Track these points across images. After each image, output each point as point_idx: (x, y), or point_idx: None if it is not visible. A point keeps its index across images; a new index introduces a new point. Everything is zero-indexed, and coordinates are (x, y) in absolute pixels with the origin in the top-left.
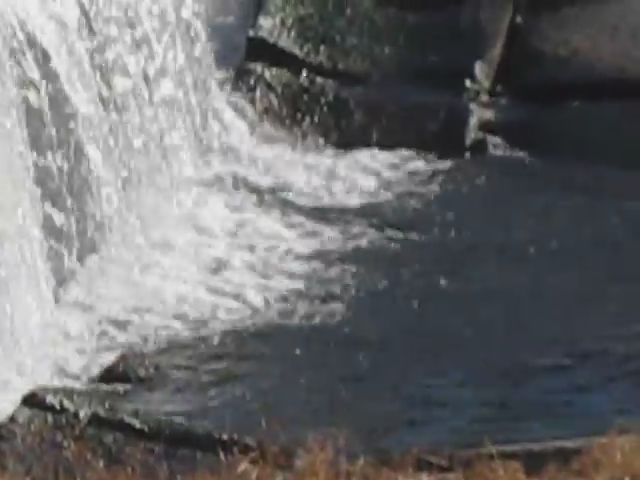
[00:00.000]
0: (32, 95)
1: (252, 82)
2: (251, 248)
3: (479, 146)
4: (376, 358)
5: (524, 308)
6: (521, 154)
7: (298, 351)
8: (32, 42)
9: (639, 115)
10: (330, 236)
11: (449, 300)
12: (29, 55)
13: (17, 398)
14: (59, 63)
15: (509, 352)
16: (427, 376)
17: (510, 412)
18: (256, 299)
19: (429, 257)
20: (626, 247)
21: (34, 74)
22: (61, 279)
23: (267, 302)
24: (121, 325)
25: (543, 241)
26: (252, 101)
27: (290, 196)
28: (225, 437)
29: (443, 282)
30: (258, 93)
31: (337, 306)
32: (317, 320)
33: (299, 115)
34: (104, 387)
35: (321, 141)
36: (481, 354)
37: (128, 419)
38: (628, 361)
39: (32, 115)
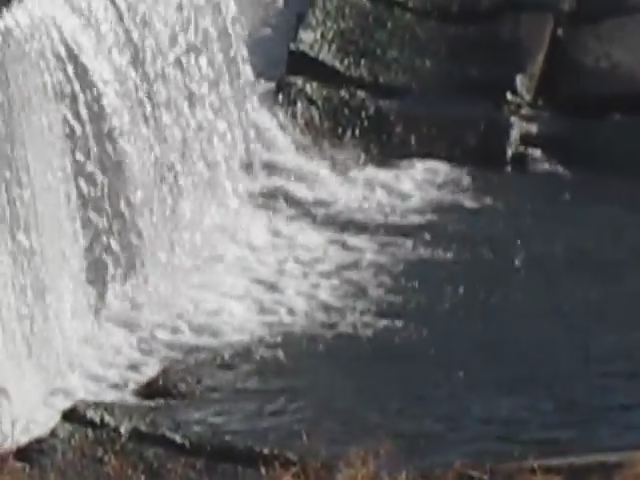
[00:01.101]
0: (72, 111)
1: (293, 96)
2: (294, 262)
3: (520, 159)
4: (420, 373)
5: (573, 322)
6: (562, 168)
7: (340, 367)
8: (72, 57)
9: None
10: (371, 250)
11: (492, 315)
12: (69, 70)
13: (58, 413)
14: (99, 78)
15: (562, 366)
16: (470, 391)
17: (556, 426)
18: (299, 314)
19: (470, 271)
20: None
21: (74, 88)
22: (102, 294)
23: (309, 317)
24: (163, 340)
25: (585, 255)
26: (293, 115)
27: (331, 210)
28: (266, 452)
29: (485, 297)
30: (299, 107)
31: (380, 321)
32: (359, 335)
33: (340, 129)
34: (145, 402)
35: (362, 154)
36: (526, 368)
37: (169, 434)
38: None
39: (72, 132)
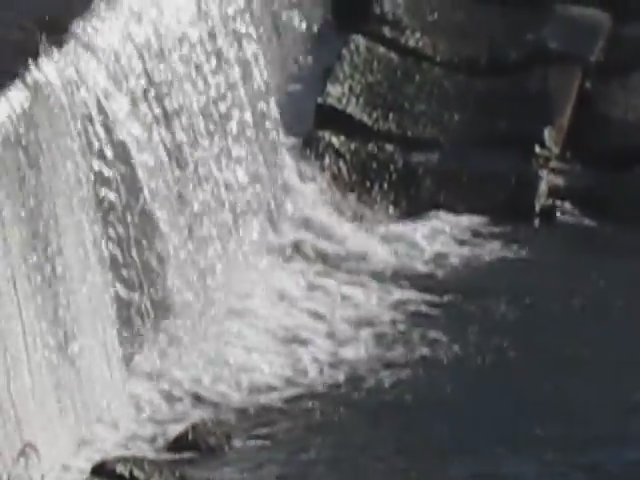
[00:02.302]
0: (100, 169)
1: (321, 149)
2: (322, 316)
3: (548, 212)
4: (451, 427)
5: (599, 375)
6: (591, 221)
7: (370, 421)
8: (101, 114)
9: None
10: (400, 303)
11: (517, 368)
12: (98, 127)
13: (87, 467)
14: (128, 136)
15: (588, 420)
16: (498, 445)
17: None
18: (327, 368)
19: (498, 324)
20: None
21: (102, 146)
22: (132, 347)
23: (338, 371)
24: (192, 393)
25: (612, 308)
26: (321, 168)
27: (359, 264)
28: None
29: (510, 349)
30: (327, 160)
31: (410, 374)
32: (390, 389)
33: (368, 182)
34: (174, 456)
35: (390, 209)
36: (558, 427)
37: None
38: None
39: (101, 184)
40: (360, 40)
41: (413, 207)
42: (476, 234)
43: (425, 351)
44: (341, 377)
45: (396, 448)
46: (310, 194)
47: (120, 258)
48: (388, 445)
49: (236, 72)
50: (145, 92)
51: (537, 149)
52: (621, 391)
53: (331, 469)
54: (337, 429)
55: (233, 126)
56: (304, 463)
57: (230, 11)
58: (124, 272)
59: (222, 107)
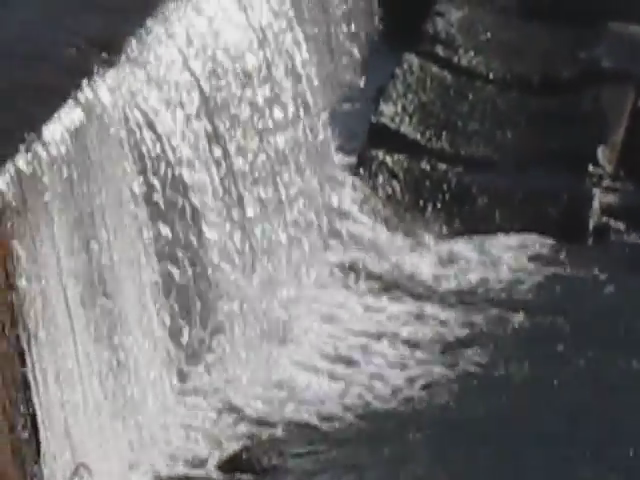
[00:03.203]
0: (152, 187)
1: (374, 169)
2: (376, 336)
3: (602, 231)
4: (506, 445)
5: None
6: None
7: (423, 438)
8: (152, 132)
9: None
10: (454, 323)
11: (558, 389)
12: (149, 144)
13: None
14: (179, 154)
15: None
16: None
17: None
18: (381, 388)
19: (551, 341)
20: None
21: (154, 164)
22: (184, 368)
23: (393, 390)
24: (244, 413)
25: None
26: (374, 188)
27: (412, 283)
28: None
29: (565, 367)
30: (380, 179)
31: (464, 394)
32: (443, 406)
33: (421, 201)
34: (228, 477)
35: (444, 227)
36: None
37: None
38: None
39: (158, 215)
40: (413, 59)
41: (466, 226)
42: (529, 253)
43: (474, 370)
44: (393, 396)
45: (449, 468)
46: (363, 213)
47: (172, 279)
48: (442, 465)
49: (288, 91)
50: (197, 111)
51: (590, 168)
52: None
53: None
54: (391, 448)
55: (285, 145)
56: None
57: (282, 31)
58: (176, 293)
59: (274, 125)
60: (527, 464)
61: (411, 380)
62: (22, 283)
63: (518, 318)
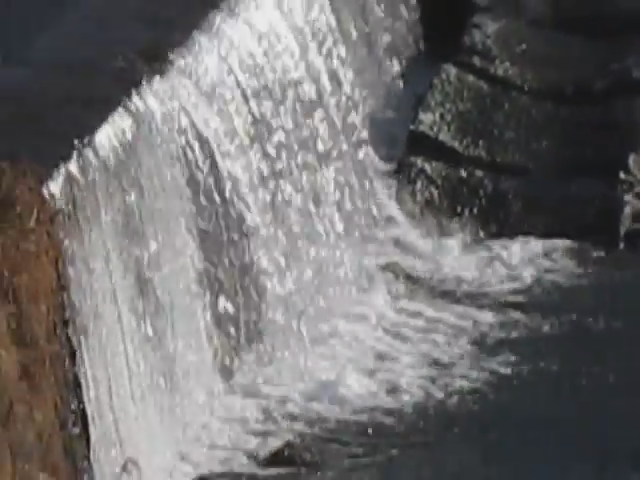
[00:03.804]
0: (199, 196)
1: (413, 175)
2: (411, 334)
3: (633, 236)
4: (536, 441)
5: None
6: None
7: (457, 434)
8: (200, 141)
9: None
10: (486, 322)
11: (592, 389)
12: (197, 153)
13: None
14: (226, 162)
15: None
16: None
17: None
18: (414, 385)
19: (578, 343)
20: None
21: (203, 173)
22: (229, 367)
23: (425, 389)
24: (287, 410)
25: None
26: (413, 193)
27: (449, 284)
28: None
29: (579, 369)
30: (419, 185)
31: (494, 391)
32: (474, 403)
33: (459, 207)
34: (270, 471)
35: (480, 232)
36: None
37: None
38: None
39: (205, 219)
40: (451, 69)
41: (502, 230)
42: (563, 257)
43: (504, 370)
44: (425, 394)
45: (484, 465)
46: (402, 217)
47: (219, 283)
48: (475, 461)
49: (331, 99)
50: (244, 120)
51: (622, 175)
52: None
53: None
54: (431, 445)
55: (327, 154)
56: (395, 478)
57: (325, 40)
58: (223, 296)
59: (316, 134)
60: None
61: (440, 377)
62: (73, 284)
63: (552, 319)
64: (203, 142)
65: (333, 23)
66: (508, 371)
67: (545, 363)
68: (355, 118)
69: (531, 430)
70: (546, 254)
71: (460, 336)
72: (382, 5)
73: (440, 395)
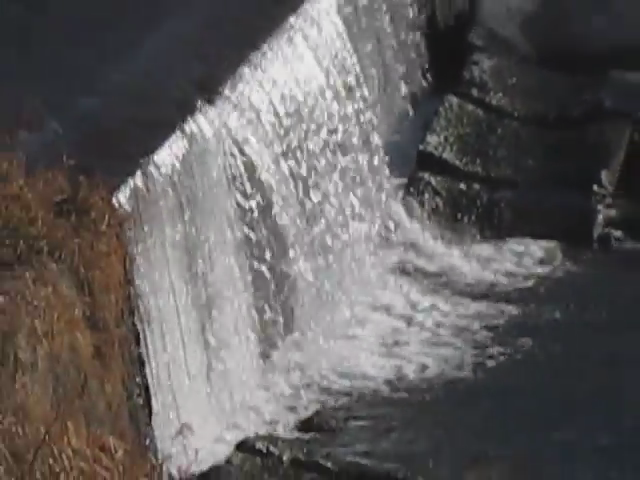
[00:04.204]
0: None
1: (421, 188)
2: (420, 322)
3: (604, 239)
4: (521, 408)
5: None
6: (638, 245)
7: (458, 405)
8: (244, 157)
9: None
10: (484, 312)
11: (572, 364)
12: (242, 169)
13: (232, 445)
14: (266, 179)
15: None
16: (562, 421)
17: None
18: (423, 366)
19: (561, 328)
20: None
21: (245, 188)
22: (269, 348)
23: (432, 368)
24: (317, 384)
25: None
26: (421, 203)
27: (451, 278)
28: (400, 476)
29: (561, 349)
30: (426, 197)
31: (491, 368)
32: (474, 379)
33: (459, 214)
34: (302, 435)
35: (477, 235)
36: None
37: (322, 461)
38: None
39: (248, 225)
40: (453, 99)
41: (496, 234)
42: (544, 256)
43: (496, 350)
44: (431, 373)
45: (476, 427)
46: (412, 223)
47: (261, 279)
48: (469, 424)
49: (353, 123)
50: (279, 141)
51: (595, 188)
52: None
53: (423, 443)
54: (432, 413)
55: (350, 170)
56: (407, 441)
57: (348, 74)
58: (263, 288)
59: (340, 155)
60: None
61: (444, 359)
62: (137, 279)
63: (534, 306)
64: (246, 160)
65: (356, 64)
66: (498, 350)
67: (526, 344)
68: (374, 141)
69: (526, 398)
70: (532, 253)
71: (461, 323)
72: (395, 49)
73: (440, 371)
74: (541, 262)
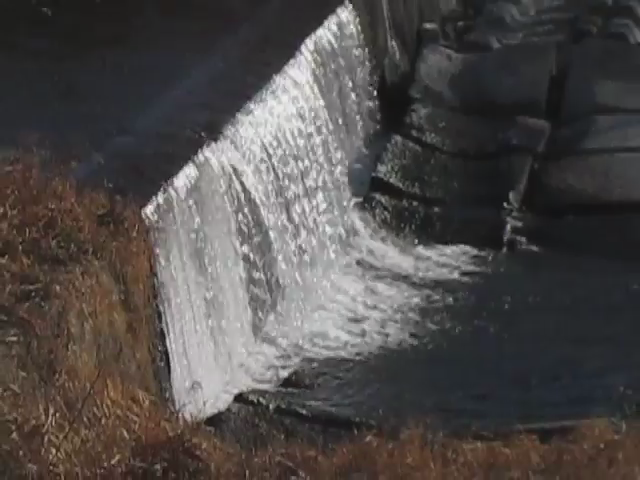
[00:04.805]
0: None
1: (374, 205)
2: (373, 304)
3: (511, 243)
4: (449, 372)
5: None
6: (537, 247)
7: (405, 366)
8: (242, 184)
9: (613, 225)
10: (416, 294)
11: (488, 338)
12: (242, 199)
13: (231, 397)
14: (257, 198)
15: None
16: (480, 379)
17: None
18: (377, 336)
19: (475, 310)
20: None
21: (244, 212)
22: (259, 323)
23: (385, 337)
24: (296, 351)
25: (551, 301)
26: (373, 216)
27: (394, 272)
28: (358, 420)
29: (477, 325)
30: (377, 211)
31: (423, 338)
32: (414, 345)
33: (402, 225)
34: (284, 390)
35: (415, 240)
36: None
37: (299, 409)
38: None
39: (243, 233)
40: (398, 138)
41: (430, 240)
42: (467, 256)
43: (429, 325)
44: (387, 339)
45: (418, 382)
46: (367, 231)
47: (255, 270)
48: (415, 381)
49: (322, 158)
50: (268, 173)
51: (505, 205)
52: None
53: (380, 396)
54: (390, 372)
55: (321, 191)
56: (370, 395)
57: (319, 120)
58: (255, 278)
59: (313, 180)
60: None
61: (396, 330)
62: (160, 272)
63: (459, 293)
64: (243, 186)
65: (325, 112)
66: (430, 326)
67: (451, 321)
68: (338, 170)
69: (446, 362)
70: (457, 253)
71: (402, 303)
72: (355, 101)
73: (393, 337)
74: (462, 261)
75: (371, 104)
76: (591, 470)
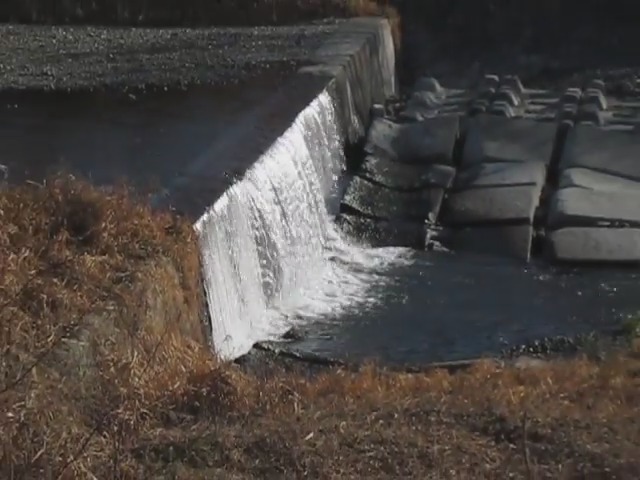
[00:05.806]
0: (259, 234)
1: (342, 221)
2: (343, 287)
3: (430, 246)
4: (398, 331)
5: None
6: (447, 249)
7: (370, 326)
8: (259, 211)
9: (494, 234)
10: (370, 280)
11: (425, 304)
12: (259, 222)
13: (251, 345)
14: (270, 220)
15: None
16: (412, 333)
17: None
18: (348, 306)
19: (404, 287)
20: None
21: (261, 232)
22: (268, 298)
23: (354, 308)
24: (293, 315)
25: (454, 283)
26: (342, 229)
27: (354, 264)
28: (332, 360)
29: (409, 298)
30: (345, 225)
31: (382, 307)
32: (376, 313)
33: (362, 234)
34: (284, 340)
35: (369, 244)
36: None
37: (295, 353)
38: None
39: (259, 243)
40: (357, 178)
41: (378, 244)
42: (403, 255)
43: (376, 301)
44: (351, 309)
45: (379, 335)
46: (338, 238)
47: (266, 261)
48: (375, 333)
49: (308, 192)
50: (275, 203)
51: (426, 221)
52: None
53: (351, 344)
54: (354, 329)
55: (308, 212)
56: (341, 344)
57: (307, 165)
58: (265, 266)
59: (303, 205)
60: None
61: (364, 301)
62: (205, 264)
63: (397, 277)
64: (258, 210)
65: (310, 160)
66: (381, 300)
67: (395, 295)
68: (318, 198)
69: (387, 323)
70: (396, 253)
71: (361, 287)
72: (330, 153)
73: (360, 305)
74: (399, 257)
75: (340, 156)
76: (481, 391)
